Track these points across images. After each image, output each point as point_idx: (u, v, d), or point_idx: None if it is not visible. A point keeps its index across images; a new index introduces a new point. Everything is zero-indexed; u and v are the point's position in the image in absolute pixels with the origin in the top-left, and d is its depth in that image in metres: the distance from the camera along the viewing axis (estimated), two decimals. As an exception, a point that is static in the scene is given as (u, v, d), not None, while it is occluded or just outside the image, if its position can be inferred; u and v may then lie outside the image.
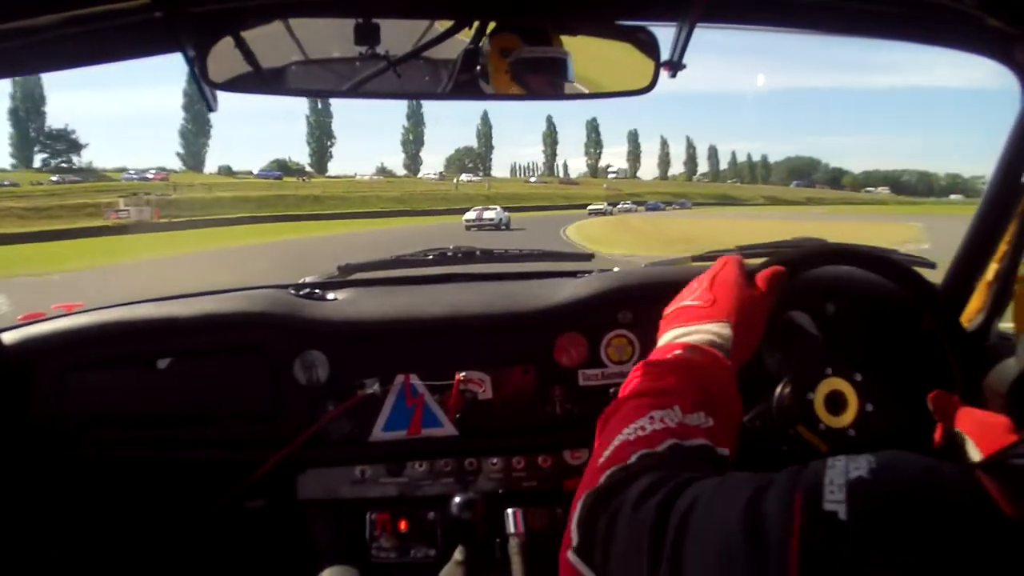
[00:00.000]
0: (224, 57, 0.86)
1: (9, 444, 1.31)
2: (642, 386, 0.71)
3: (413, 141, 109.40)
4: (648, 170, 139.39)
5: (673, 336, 0.80)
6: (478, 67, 0.96)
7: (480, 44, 0.96)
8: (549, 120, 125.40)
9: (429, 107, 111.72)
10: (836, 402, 0.91)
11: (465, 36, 0.95)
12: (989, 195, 1.20)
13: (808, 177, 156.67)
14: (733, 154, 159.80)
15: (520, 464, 1.37)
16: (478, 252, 1.83)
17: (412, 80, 0.96)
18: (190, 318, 1.34)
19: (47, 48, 0.86)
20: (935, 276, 1.23)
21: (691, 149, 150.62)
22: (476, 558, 1.25)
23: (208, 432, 1.35)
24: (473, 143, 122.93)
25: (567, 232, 26.31)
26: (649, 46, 0.94)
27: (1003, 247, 1.18)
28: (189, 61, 0.85)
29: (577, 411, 1.38)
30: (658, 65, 0.95)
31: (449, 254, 1.80)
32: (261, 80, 0.92)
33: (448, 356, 1.36)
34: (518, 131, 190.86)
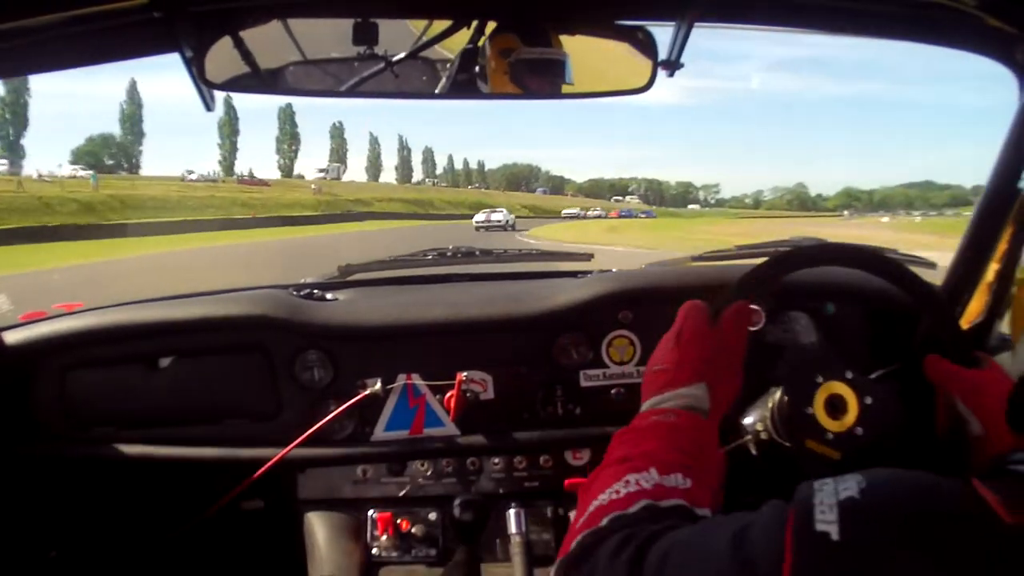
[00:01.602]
0: (222, 57, 0.86)
1: (9, 443, 1.32)
2: (619, 452, 0.71)
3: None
4: (355, 172, 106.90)
5: (650, 405, 0.81)
6: (476, 67, 0.96)
7: (479, 44, 0.96)
8: (228, 101, 69.63)
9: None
10: (836, 405, 0.91)
11: (464, 36, 0.95)
12: (988, 195, 1.19)
13: (528, 185, 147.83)
14: (450, 158, 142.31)
15: (522, 464, 1.37)
16: (478, 252, 1.83)
17: (410, 80, 0.96)
18: (191, 318, 1.34)
19: (46, 48, 0.86)
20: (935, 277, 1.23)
21: (405, 151, 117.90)
22: (477, 558, 1.25)
23: (209, 432, 1.35)
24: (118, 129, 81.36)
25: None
26: (647, 46, 0.95)
27: (1002, 247, 1.18)
28: (187, 61, 0.85)
29: (578, 411, 1.37)
30: (656, 64, 0.95)
31: (449, 254, 1.80)
32: (258, 80, 0.92)
33: (450, 356, 1.36)
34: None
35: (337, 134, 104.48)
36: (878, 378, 0.91)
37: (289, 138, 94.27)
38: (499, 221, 31.80)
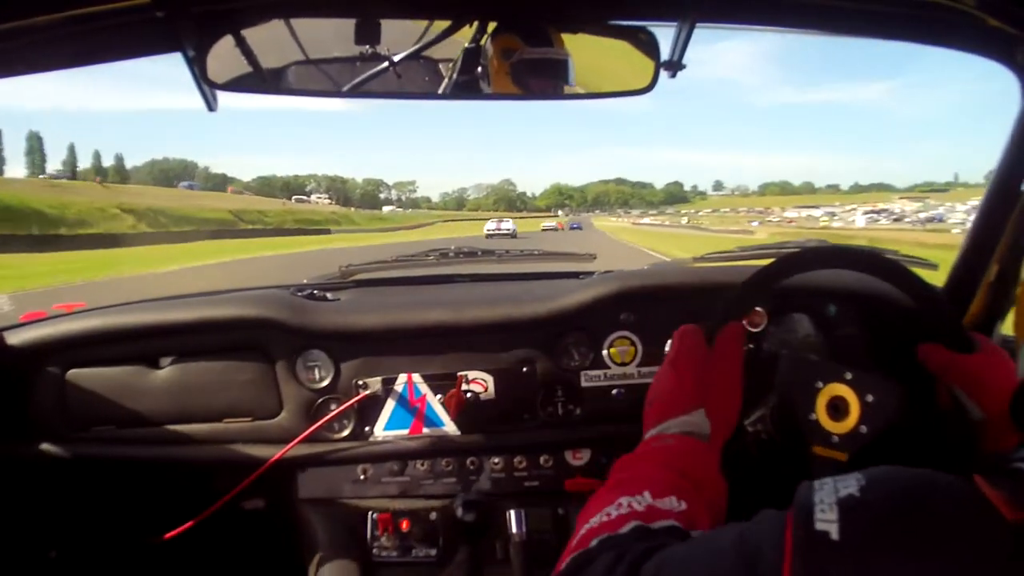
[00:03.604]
0: (224, 57, 0.86)
1: (10, 443, 1.32)
2: (618, 477, 0.72)
3: None
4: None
5: (650, 435, 0.81)
6: (478, 67, 0.96)
7: (481, 44, 0.96)
8: None
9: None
10: (837, 408, 0.91)
11: (465, 36, 0.95)
12: (990, 195, 1.19)
13: (186, 179, 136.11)
14: (96, 153, 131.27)
15: (522, 464, 1.37)
16: (479, 252, 1.83)
17: (412, 80, 0.96)
18: (191, 319, 1.34)
19: (47, 48, 0.87)
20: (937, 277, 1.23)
21: (35, 140, 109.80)
22: (478, 558, 1.25)
23: (209, 431, 1.35)
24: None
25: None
26: (649, 46, 0.95)
27: (1003, 247, 1.18)
28: (189, 61, 0.85)
29: (579, 412, 1.38)
30: (658, 65, 0.95)
31: (451, 254, 1.80)
32: (261, 80, 0.92)
33: (450, 356, 1.36)
34: None
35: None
36: (878, 375, 0.91)
37: None
38: (508, 230, 37.09)
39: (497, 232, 36.10)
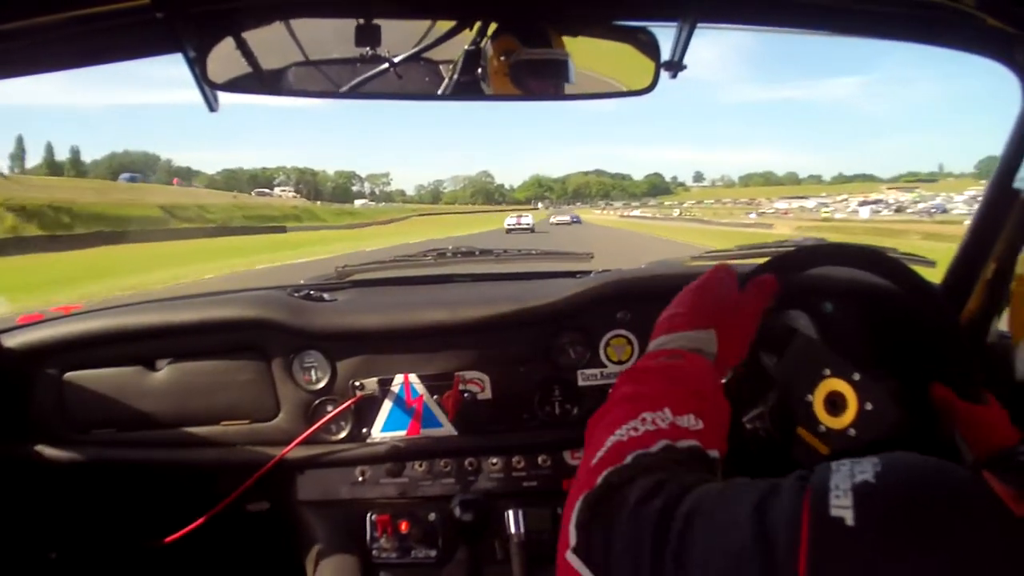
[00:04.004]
0: (224, 57, 0.86)
1: (9, 445, 1.31)
2: (631, 390, 0.71)
3: None
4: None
5: (657, 344, 0.80)
6: (479, 68, 0.96)
7: (481, 45, 0.96)
8: None
9: None
10: (835, 403, 0.91)
11: (466, 37, 0.94)
12: (989, 194, 1.20)
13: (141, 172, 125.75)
14: (49, 145, 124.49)
15: (520, 464, 1.37)
16: (477, 252, 1.83)
17: (412, 81, 0.96)
18: (188, 320, 1.34)
19: (47, 48, 0.86)
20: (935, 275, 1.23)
21: None
22: (477, 558, 1.25)
23: (207, 433, 1.34)
24: None
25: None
26: (650, 46, 0.95)
27: (1001, 245, 1.19)
28: (189, 61, 0.85)
29: (576, 411, 1.38)
30: (659, 66, 0.95)
31: (448, 254, 1.80)
32: (261, 81, 0.92)
33: (447, 356, 1.36)
34: None
35: None
36: (885, 388, 0.91)
37: None
38: (528, 224, 37.51)
39: (517, 227, 37.10)
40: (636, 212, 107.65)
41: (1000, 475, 0.44)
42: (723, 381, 0.81)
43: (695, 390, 0.70)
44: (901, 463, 0.47)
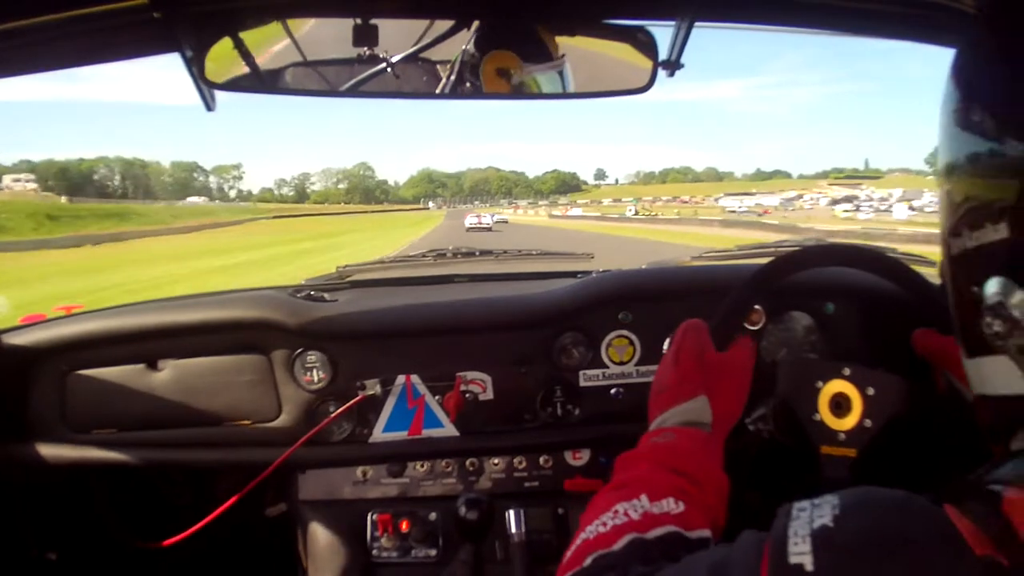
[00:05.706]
0: (222, 57, 0.86)
1: (10, 445, 1.31)
2: (619, 478, 0.72)
3: None
4: None
5: (655, 424, 0.81)
6: (475, 67, 0.96)
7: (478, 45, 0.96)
8: None
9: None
10: (840, 405, 0.91)
11: (462, 36, 0.94)
12: None
13: None
14: None
15: (521, 464, 1.37)
16: (478, 252, 1.83)
17: (410, 80, 0.96)
18: (190, 321, 1.34)
19: (46, 48, 0.86)
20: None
21: None
22: (478, 558, 1.25)
23: (209, 434, 1.35)
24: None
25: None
26: (647, 46, 0.94)
27: None
28: (187, 61, 0.85)
29: (578, 412, 1.37)
30: (656, 65, 0.95)
31: (448, 255, 1.80)
32: (259, 80, 0.92)
33: (449, 357, 1.36)
34: None
35: None
36: (875, 368, 0.91)
37: None
38: (488, 224, 36.34)
39: (479, 226, 35.02)
40: (576, 211, 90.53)
41: (964, 507, 0.43)
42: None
43: (680, 469, 0.70)
44: (860, 504, 0.47)
